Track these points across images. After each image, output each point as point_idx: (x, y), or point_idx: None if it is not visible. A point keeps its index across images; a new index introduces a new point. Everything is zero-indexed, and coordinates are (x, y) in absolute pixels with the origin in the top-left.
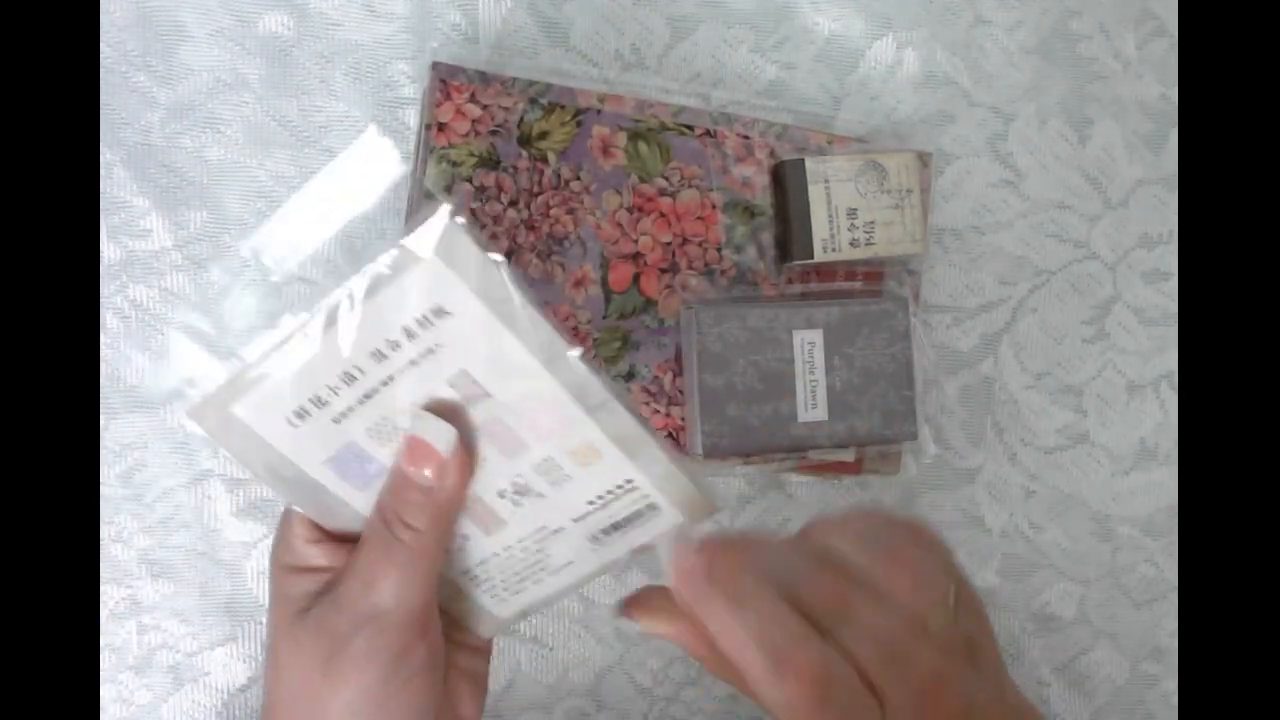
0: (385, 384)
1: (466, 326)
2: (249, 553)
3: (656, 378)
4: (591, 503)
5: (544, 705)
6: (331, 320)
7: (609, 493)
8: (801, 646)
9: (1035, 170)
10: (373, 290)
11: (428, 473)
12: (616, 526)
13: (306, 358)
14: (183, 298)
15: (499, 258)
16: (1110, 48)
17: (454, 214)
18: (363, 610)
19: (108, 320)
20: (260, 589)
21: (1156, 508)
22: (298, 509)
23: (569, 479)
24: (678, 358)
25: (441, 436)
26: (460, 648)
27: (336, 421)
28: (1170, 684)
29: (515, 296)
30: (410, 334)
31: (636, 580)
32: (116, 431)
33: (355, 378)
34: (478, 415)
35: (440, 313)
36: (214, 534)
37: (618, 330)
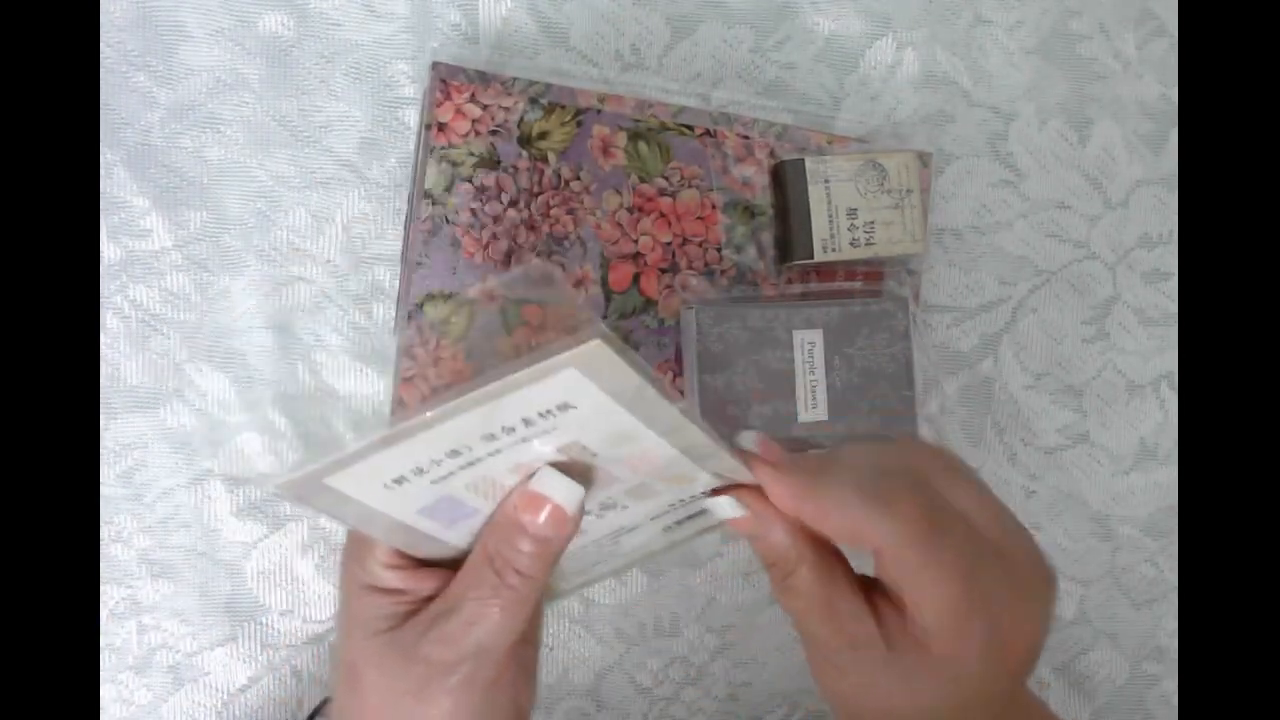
0: (491, 455)
1: (589, 415)
2: (249, 553)
3: (656, 378)
4: (673, 505)
5: (544, 705)
6: (447, 417)
7: (691, 498)
8: (907, 489)
9: (1035, 170)
10: (497, 394)
11: (542, 521)
12: (691, 517)
13: (416, 443)
14: (183, 298)
15: (643, 372)
16: (1110, 48)
17: (604, 339)
18: (465, 646)
19: (108, 320)
20: (260, 589)
21: (1156, 508)
22: (386, 543)
23: (656, 495)
24: (678, 358)
25: (568, 496)
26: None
27: (435, 484)
28: (1170, 684)
29: (650, 392)
30: (529, 423)
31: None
32: (116, 431)
33: (461, 454)
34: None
35: (565, 407)
36: (214, 534)
37: (617, 330)
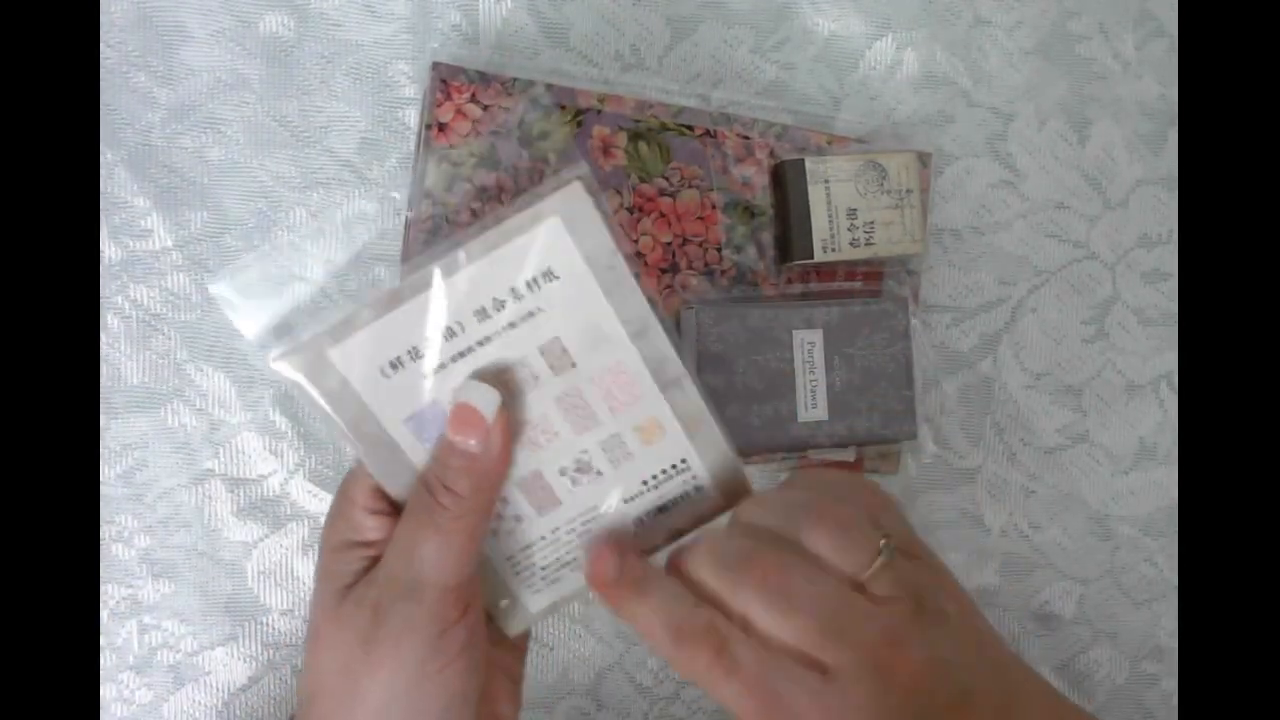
0: (481, 344)
1: (569, 292)
2: (249, 553)
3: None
4: (645, 483)
5: (544, 705)
6: (448, 271)
7: (664, 472)
8: (694, 616)
9: (1035, 170)
10: (491, 245)
11: (473, 442)
12: (662, 509)
13: (414, 308)
14: (183, 298)
15: (611, 224)
16: (1110, 48)
17: (583, 181)
18: (402, 582)
19: (108, 320)
20: (260, 589)
21: (1156, 508)
22: (368, 467)
23: (630, 457)
24: None
25: (486, 401)
26: (496, 644)
27: (426, 377)
28: (1170, 684)
29: (620, 264)
30: (517, 295)
31: None
32: (116, 431)
33: (455, 333)
34: (559, 385)
35: (549, 275)
36: (214, 534)
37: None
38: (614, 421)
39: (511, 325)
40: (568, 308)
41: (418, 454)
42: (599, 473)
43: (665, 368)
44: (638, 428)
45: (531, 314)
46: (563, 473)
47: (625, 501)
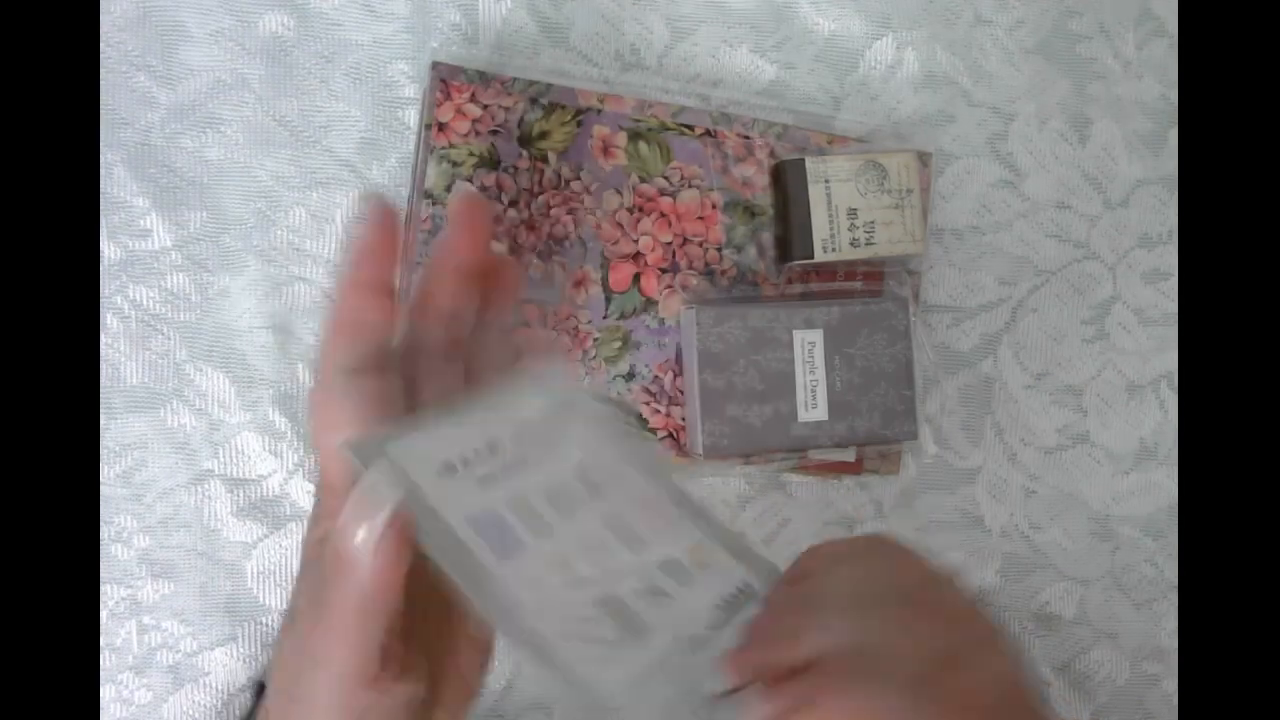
0: (520, 464)
1: (586, 428)
2: (249, 553)
3: (657, 378)
4: (719, 607)
5: (544, 705)
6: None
7: (733, 598)
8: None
9: (1035, 170)
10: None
11: (359, 536)
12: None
13: (462, 422)
14: (183, 298)
15: (623, 410)
16: (1110, 48)
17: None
18: (306, 651)
19: (108, 320)
20: (260, 589)
21: (1156, 508)
22: (448, 570)
23: (692, 579)
24: (678, 358)
25: (376, 496)
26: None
27: (481, 484)
28: (1170, 684)
29: (633, 427)
30: (545, 421)
31: None
32: (116, 431)
33: (497, 450)
34: (601, 507)
35: (569, 409)
36: (214, 534)
37: (618, 330)
38: (662, 544)
39: (546, 445)
40: (586, 439)
41: (486, 557)
42: (670, 596)
43: (683, 499)
44: (687, 549)
45: (555, 443)
46: (638, 594)
47: (711, 631)
